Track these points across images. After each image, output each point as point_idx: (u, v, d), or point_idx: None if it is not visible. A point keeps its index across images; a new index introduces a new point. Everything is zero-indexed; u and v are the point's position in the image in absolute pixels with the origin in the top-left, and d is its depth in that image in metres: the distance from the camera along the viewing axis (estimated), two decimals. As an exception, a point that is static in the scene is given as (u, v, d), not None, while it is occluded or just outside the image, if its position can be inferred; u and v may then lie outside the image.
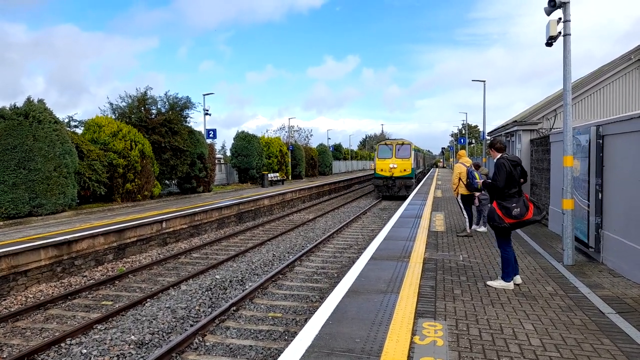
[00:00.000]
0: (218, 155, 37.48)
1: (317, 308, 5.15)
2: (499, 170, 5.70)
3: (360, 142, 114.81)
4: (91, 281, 9.57)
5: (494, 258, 7.62)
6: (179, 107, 23.03)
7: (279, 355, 3.77)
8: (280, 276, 9.55)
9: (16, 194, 13.74)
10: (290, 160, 40.02)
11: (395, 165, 26.13)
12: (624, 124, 6.34)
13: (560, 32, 7.12)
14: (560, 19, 7.08)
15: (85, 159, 16.64)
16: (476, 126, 79.79)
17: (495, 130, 21.58)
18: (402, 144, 26.84)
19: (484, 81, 27.48)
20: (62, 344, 6.16)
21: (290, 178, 39.30)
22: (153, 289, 8.77)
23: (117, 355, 5.78)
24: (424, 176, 39.47)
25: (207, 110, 29.30)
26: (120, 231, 11.55)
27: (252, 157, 32.04)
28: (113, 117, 20.87)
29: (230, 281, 9.25)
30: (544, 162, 11.77)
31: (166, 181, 23.18)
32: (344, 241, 13.60)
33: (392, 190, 26.16)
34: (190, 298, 8.13)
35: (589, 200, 7.35)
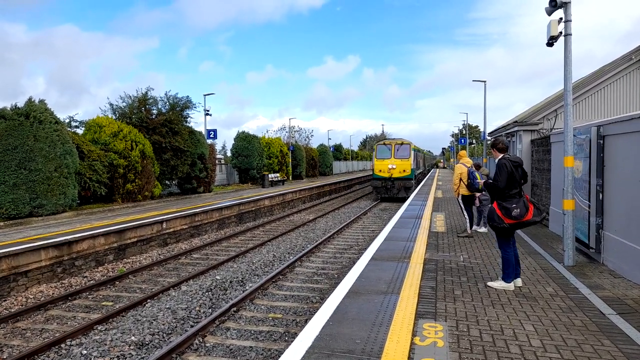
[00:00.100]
0: (218, 156, 37.49)
1: (318, 309, 5.15)
2: (500, 171, 5.69)
3: (361, 143, 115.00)
4: (91, 282, 9.57)
5: (495, 259, 7.61)
6: (179, 107, 23.05)
7: (279, 356, 3.77)
8: (281, 277, 9.55)
9: (17, 195, 13.76)
10: (290, 160, 40.01)
11: (394, 166, 25.30)
12: (625, 124, 6.33)
13: (561, 32, 7.12)
14: (561, 19, 7.07)
15: (86, 159, 16.66)
16: (477, 126, 79.80)
17: (495, 130, 21.57)
18: (402, 143, 26.08)
19: (485, 81, 27.37)
20: (62, 345, 6.16)
21: (290, 178, 39.30)
22: (153, 290, 8.77)
23: (118, 356, 5.78)
24: (424, 177, 39.23)
25: (208, 111, 29.37)
26: (121, 232, 11.55)
27: (253, 158, 32.04)
28: (113, 117, 20.91)
29: (231, 282, 9.25)
30: (544, 162, 11.75)
31: (167, 181, 23.19)
32: (345, 242, 13.60)
33: (391, 191, 25.33)
34: (190, 299, 8.13)
35: (589, 201, 7.34)
